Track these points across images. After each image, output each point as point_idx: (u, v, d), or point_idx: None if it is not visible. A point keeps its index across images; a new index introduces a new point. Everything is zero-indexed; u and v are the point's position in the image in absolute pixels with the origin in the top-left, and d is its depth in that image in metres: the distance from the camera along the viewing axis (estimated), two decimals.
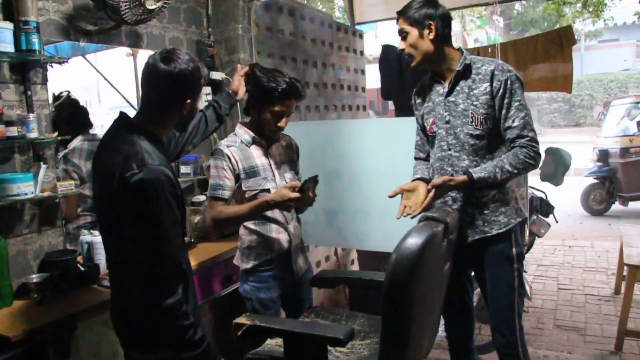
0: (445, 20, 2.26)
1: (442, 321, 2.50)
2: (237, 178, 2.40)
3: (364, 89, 5.56)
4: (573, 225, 7.62)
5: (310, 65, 4.38)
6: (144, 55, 3.04)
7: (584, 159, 10.32)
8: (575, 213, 8.26)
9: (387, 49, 4.95)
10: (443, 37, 2.27)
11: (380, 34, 14.72)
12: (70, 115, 2.75)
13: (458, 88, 2.29)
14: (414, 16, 2.25)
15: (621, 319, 3.52)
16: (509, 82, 2.18)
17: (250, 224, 2.45)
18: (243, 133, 2.47)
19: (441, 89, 2.35)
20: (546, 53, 5.05)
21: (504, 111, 2.20)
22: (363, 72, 5.56)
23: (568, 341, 3.74)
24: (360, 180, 3.06)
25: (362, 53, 5.54)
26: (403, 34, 2.30)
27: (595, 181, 8.30)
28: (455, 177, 2.22)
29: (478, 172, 2.18)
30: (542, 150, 2.29)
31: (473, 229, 2.31)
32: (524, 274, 3.59)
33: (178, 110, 1.76)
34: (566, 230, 7.13)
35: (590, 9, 7.70)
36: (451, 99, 2.31)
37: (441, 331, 3.36)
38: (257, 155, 2.45)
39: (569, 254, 6.10)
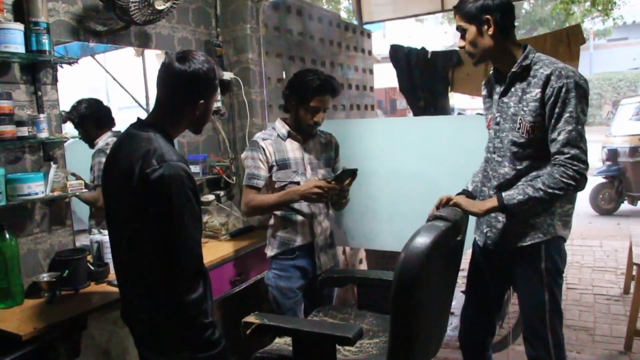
0: (505, 11, 2.06)
1: (450, 320, 2.48)
2: (271, 169, 2.55)
3: (372, 89, 5.57)
4: (582, 225, 7.59)
5: (319, 65, 4.38)
6: (152, 55, 3.05)
7: (593, 158, 10.28)
8: (584, 212, 8.22)
9: (395, 49, 4.95)
10: (504, 31, 2.08)
11: (389, 34, 14.71)
12: (96, 114, 2.83)
13: (513, 89, 2.12)
14: (471, 11, 2.06)
15: (630, 319, 3.51)
16: (563, 90, 1.95)
17: (278, 213, 2.58)
18: (281, 127, 2.61)
19: (498, 87, 2.20)
20: (554, 52, 5.02)
21: (553, 121, 1.99)
22: (371, 71, 5.56)
23: (577, 341, 3.73)
24: (368, 179, 3.06)
25: (370, 53, 5.55)
26: (461, 32, 2.14)
27: (604, 180, 8.26)
28: (485, 201, 2.13)
29: (508, 191, 2.06)
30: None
31: (500, 238, 2.21)
32: None
33: (191, 110, 1.76)
34: (575, 229, 7.04)
35: (600, 8, 7.64)
36: (505, 100, 2.15)
37: (449, 330, 3.35)
38: (291, 149, 2.58)
39: (577, 253, 6.07)
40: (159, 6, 2.60)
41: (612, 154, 8.19)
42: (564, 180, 1.96)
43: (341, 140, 2.85)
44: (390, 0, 5.49)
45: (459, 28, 2.14)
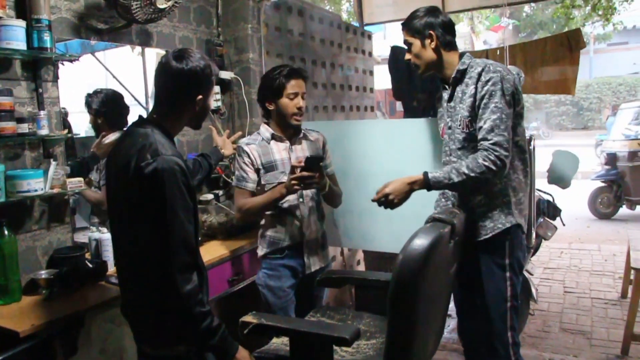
0: (446, 28, 2.29)
1: (447, 322, 2.49)
2: (259, 172, 2.56)
3: (372, 90, 5.57)
4: (580, 229, 7.58)
5: (319, 66, 4.39)
6: (152, 53, 3.05)
7: (591, 162, 10.28)
8: (583, 216, 8.23)
9: (395, 50, 4.93)
10: (445, 45, 2.30)
11: (389, 35, 14.72)
12: (112, 110, 2.85)
13: (455, 93, 2.30)
14: (415, 27, 2.30)
15: (628, 323, 3.51)
16: (490, 82, 2.14)
17: (268, 213, 2.58)
18: (265, 131, 2.62)
19: (446, 95, 2.38)
20: (555, 56, 5.05)
21: (480, 111, 2.17)
22: (371, 73, 5.57)
23: (574, 344, 3.73)
24: (367, 180, 3.06)
25: (370, 54, 5.55)
26: (407, 45, 2.36)
27: (603, 184, 8.26)
28: (412, 176, 2.24)
29: (434, 172, 2.20)
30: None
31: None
32: (530, 277, 3.60)
33: (190, 107, 1.81)
34: (573, 233, 7.09)
35: (600, 13, 7.65)
36: (452, 104, 2.32)
37: (447, 332, 3.35)
38: (276, 151, 2.59)
39: (575, 257, 6.07)
40: (161, 5, 2.60)
41: (611, 158, 8.18)
42: (485, 164, 2.10)
43: (338, 141, 2.85)
44: (391, 2, 5.49)
45: (405, 42, 2.36)
